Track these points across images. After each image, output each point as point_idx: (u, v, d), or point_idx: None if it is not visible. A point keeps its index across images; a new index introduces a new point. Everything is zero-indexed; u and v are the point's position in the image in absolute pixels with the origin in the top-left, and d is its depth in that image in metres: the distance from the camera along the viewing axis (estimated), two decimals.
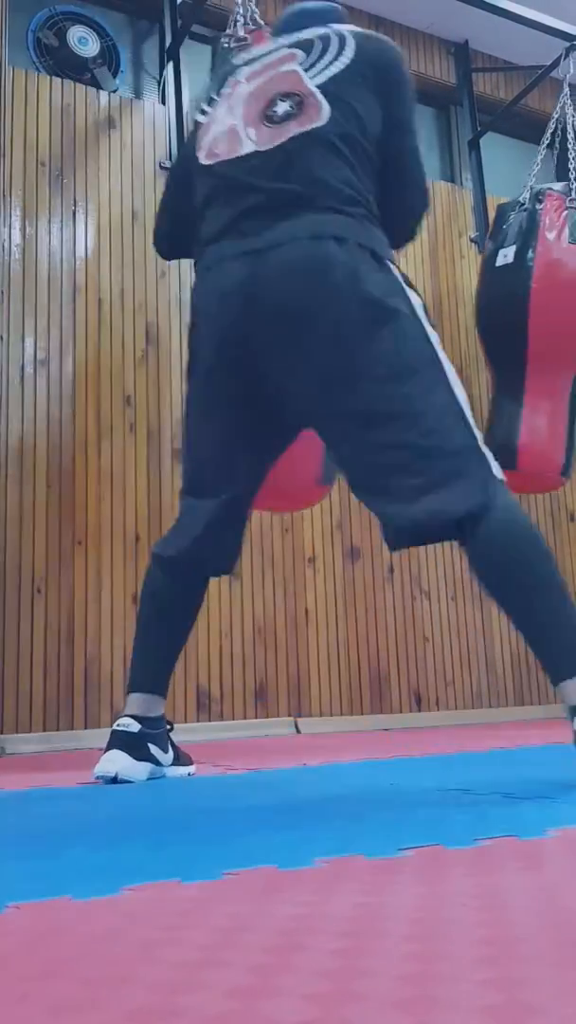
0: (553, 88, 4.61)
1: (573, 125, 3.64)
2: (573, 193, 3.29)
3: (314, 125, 1.56)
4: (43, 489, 3.04)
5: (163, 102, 3.65)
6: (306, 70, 1.62)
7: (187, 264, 3.46)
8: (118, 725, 1.76)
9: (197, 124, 1.75)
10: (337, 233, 1.52)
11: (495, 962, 0.54)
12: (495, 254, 3.32)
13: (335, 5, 1.91)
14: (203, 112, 1.74)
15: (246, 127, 1.61)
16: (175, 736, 1.94)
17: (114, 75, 3.65)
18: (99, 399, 3.19)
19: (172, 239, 1.88)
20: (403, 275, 1.62)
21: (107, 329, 3.27)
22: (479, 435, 1.56)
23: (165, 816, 1.29)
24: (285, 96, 1.59)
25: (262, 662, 3.30)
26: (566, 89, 3.66)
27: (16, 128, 3.26)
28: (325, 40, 1.66)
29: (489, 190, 4.33)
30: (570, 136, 3.63)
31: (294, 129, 1.57)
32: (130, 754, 1.72)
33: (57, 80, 3.40)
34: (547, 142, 3.63)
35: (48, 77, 3.40)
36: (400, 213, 1.69)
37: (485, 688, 3.78)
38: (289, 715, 3.30)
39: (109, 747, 1.73)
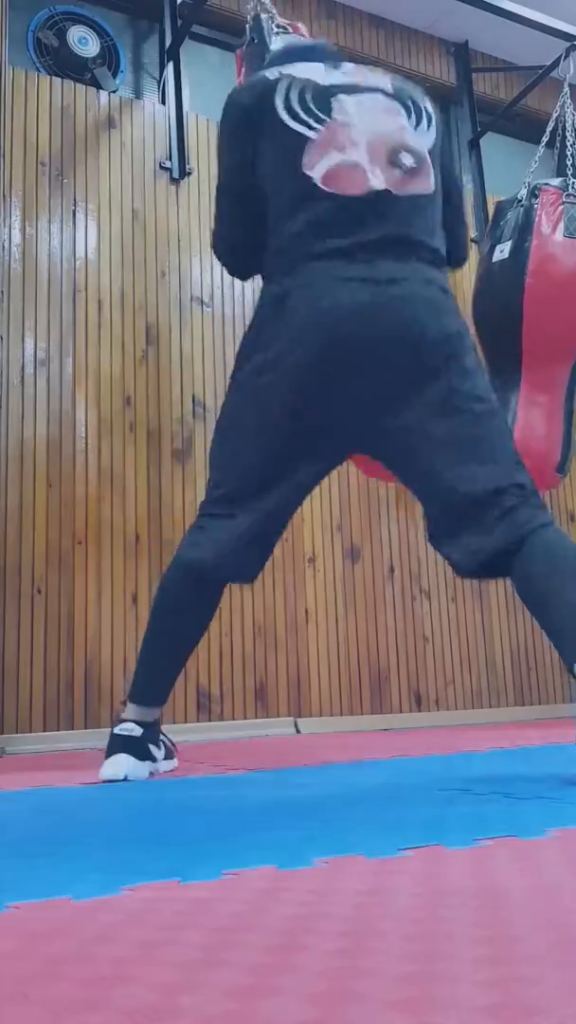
0: (553, 88, 4.61)
1: (573, 125, 3.64)
2: (570, 188, 3.29)
3: (430, 189, 1.74)
4: (43, 489, 3.04)
5: (163, 102, 3.65)
6: (414, 128, 1.76)
7: (187, 264, 3.47)
8: (121, 730, 1.78)
9: (295, 133, 1.71)
10: (442, 284, 1.71)
11: (495, 962, 0.54)
12: (492, 250, 3.32)
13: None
14: (305, 124, 1.71)
15: (372, 166, 1.68)
16: (177, 736, 1.95)
17: (114, 75, 3.65)
18: (99, 399, 3.19)
19: (249, 253, 1.83)
20: None
21: (107, 329, 3.27)
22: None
23: (165, 816, 1.29)
24: (409, 151, 1.72)
25: (262, 662, 3.30)
26: (566, 88, 3.66)
27: (16, 128, 3.26)
28: (416, 106, 1.80)
29: (489, 190, 4.33)
30: (569, 136, 3.63)
31: (416, 187, 1.71)
32: (134, 756, 1.75)
33: (57, 80, 3.40)
34: (546, 140, 3.63)
35: (48, 77, 3.40)
36: (458, 248, 1.91)
37: (485, 688, 3.78)
38: (289, 715, 3.30)
39: (112, 751, 1.76)
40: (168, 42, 3.67)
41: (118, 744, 1.77)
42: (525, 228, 3.23)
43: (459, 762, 1.93)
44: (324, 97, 1.73)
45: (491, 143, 4.47)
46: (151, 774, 1.80)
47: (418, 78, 4.43)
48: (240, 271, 1.94)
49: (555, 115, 3.67)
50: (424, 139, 1.77)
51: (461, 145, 4.47)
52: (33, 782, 1.86)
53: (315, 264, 1.65)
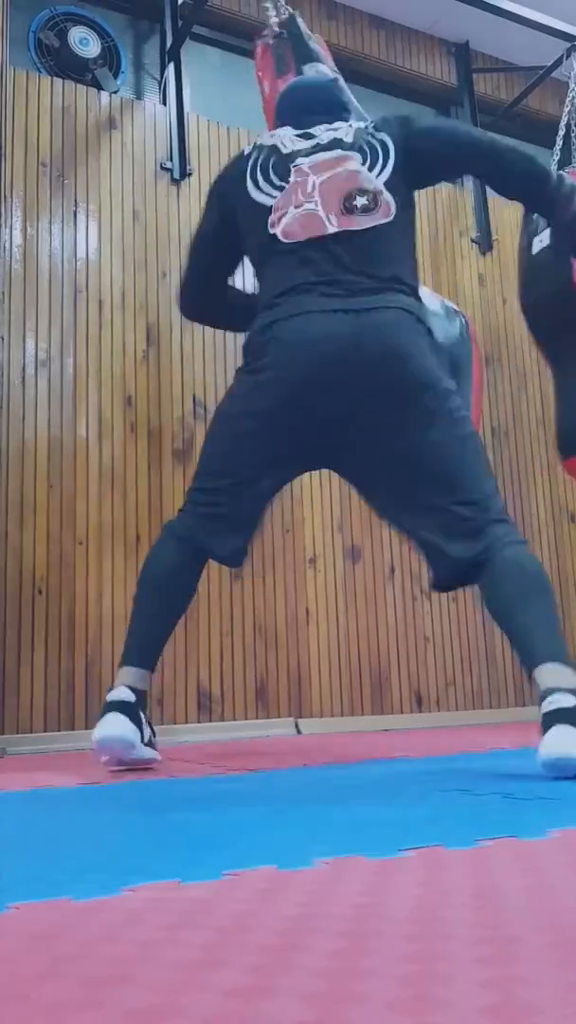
0: (554, 89, 4.62)
1: None
2: None
3: (389, 217, 1.89)
4: (44, 489, 3.04)
5: (164, 103, 3.65)
6: (370, 170, 1.93)
7: None
8: (115, 695, 1.83)
9: (259, 204, 1.95)
10: (416, 312, 1.85)
11: (495, 962, 0.54)
12: (530, 244, 3.35)
13: (334, 79, 2.26)
14: (267, 195, 1.95)
15: (327, 213, 1.88)
16: (177, 736, 1.96)
17: (115, 76, 3.65)
18: (100, 400, 3.19)
19: (202, 301, 2.19)
20: None
21: (108, 330, 3.27)
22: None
23: (165, 816, 1.29)
24: (361, 192, 1.89)
25: (263, 662, 3.30)
26: (573, 86, 3.66)
27: (17, 129, 3.26)
28: (372, 147, 1.96)
29: (490, 191, 4.33)
30: (573, 136, 3.64)
31: (373, 220, 1.88)
32: (128, 718, 1.80)
33: (58, 81, 3.41)
34: (560, 144, 3.65)
35: (49, 78, 3.40)
36: (523, 179, 1.98)
37: (486, 688, 3.78)
38: (290, 715, 3.30)
39: (106, 712, 1.81)
40: (169, 43, 3.67)
41: (112, 706, 1.81)
42: None
43: (460, 762, 1.93)
44: (284, 165, 1.96)
45: None
46: (135, 747, 1.82)
47: (418, 78, 4.43)
48: (192, 312, 2.25)
49: (566, 109, 3.67)
50: (379, 173, 1.93)
51: None
52: (34, 782, 1.86)
53: (296, 298, 1.83)
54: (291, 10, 3.02)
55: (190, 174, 3.55)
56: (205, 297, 2.19)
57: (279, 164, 1.96)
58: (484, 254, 4.28)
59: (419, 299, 1.91)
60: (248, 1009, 0.48)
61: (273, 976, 0.53)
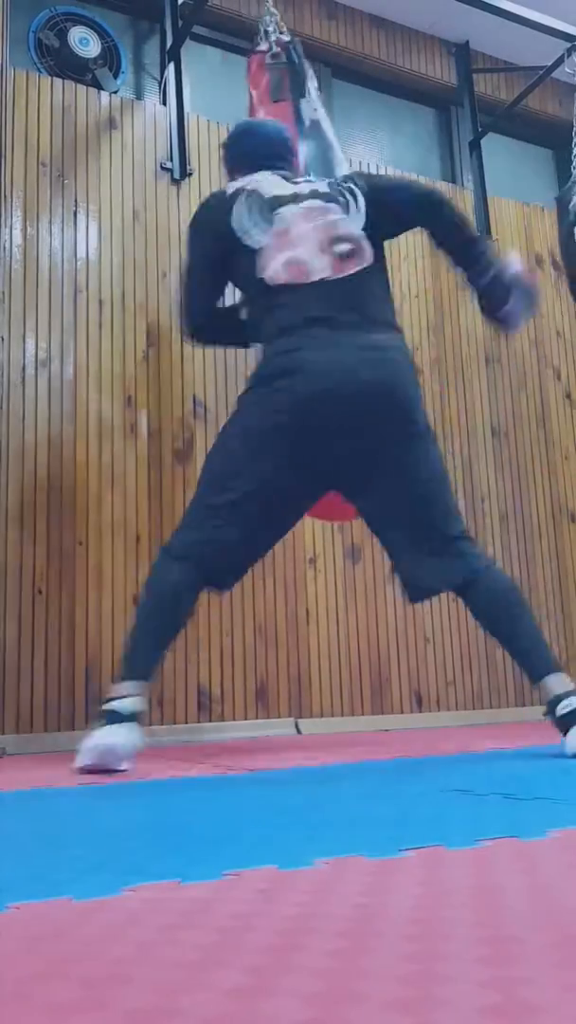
0: (554, 89, 4.62)
1: None
2: None
3: (368, 261, 2.07)
4: (44, 489, 3.04)
5: (164, 103, 3.65)
6: (346, 216, 2.10)
7: None
8: (116, 706, 1.87)
9: (246, 247, 2.09)
10: (408, 353, 2.09)
11: (495, 962, 0.54)
12: (570, 235, 3.41)
13: (284, 129, 2.42)
14: (254, 239, 2.09)
15: (312, 259, 2.04)
16: (178, 736, 1.97)
17: (115, 76, 3.65)
18: (100, 399, 3.19)
19: (209, 325, 2.29)
20: None
21: (108, 330, 3.27)
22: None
23: (165, 816, 1.29)
24: (341, 239, 2.06)
25: (263, 662, 3.30)
26: None
27: (17, 129, 3.26)
28: (344, 198, 2.14)
29: (490, 191, 4.33)
30: None
31: (355, 264, 2.05)
32: (128, 729, 1.86)
33: (58, 81, 3.41)
34: None
35: (49, 78, 3.40)
36: (421, 203, 2.18)
37: (486, 688, 3.78)
38: (290, 715, 3.30)
39: (109, 722, 1.85)
40: (169, 43, 3.67)
41: (113, 717, 1.86)
42: None
43: (460, 762, 1.93)
44: (268, 210, 2.09)
45: (492, 144, 4.47)
46: (127, 760, 1.86)
47: (419, 78, 4.43)
48: (203, 337, 2.34)
49: None
50: (356, 222, 2.11)
51: (462, 146, 4.48)
52: (34, 782, 1.86)
53: (307, 332, 1.98)
54: (293, 36, 3.06)
55: (190, 174, 3.55)
56: (210, 321, 2.29)
57: (263, 209, 2.10)
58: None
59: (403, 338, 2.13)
60: (248, 1009, 0.48)
61: (273, 976, 0.53)
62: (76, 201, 3.32)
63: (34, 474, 3.03)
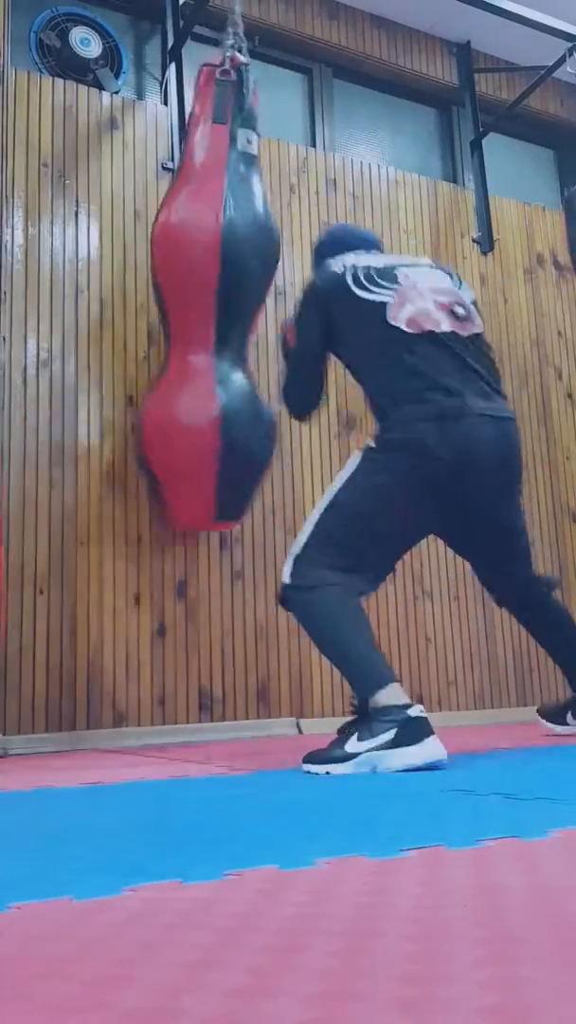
0: (555, 88, 4.62)
1: None
2: None
3: (479, 329, 2.24)
4: (45, 489, 3.04)
5: (165, 103, 3.65)
6: (458, 288, 2.27)
7: None
8: (421, 711, 1.85)
9: (373, 303, 2.17)
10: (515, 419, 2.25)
11: (495, 962, 0.54)
12: None
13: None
14: (379, 295, 2.18)
15: (439, 313, 2.16)
16: (178, 736, 1.96)
17: (116, 76, 3.65)
18: (101, 400, 3.19)
19: (314, 402, 2.40)
20: None
21: (109, 330, 3.27)
22: None
23: (166, 817, 1.29)
24: (460, 304, 2.21)
25: (264, 662, 3.30)
26: None
27: (18, 129, 3.26)
28: (453, 274, 2.35)
29: (491, 191, 4.33)
30: None
31: (473, 328, 2.21)
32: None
33: (59, 81, 3.41)
34: None
35: (50, 78, 3.40)
36: None
37: (487, 688, 3.78)
38: (291, 715, 3.30)
39: (430, 733, 1.82)
40: (170, 43, 3.67)
41: (428, 725, 1.83)
42: None
43: (461, 763, 1.93)
44: (389, 272, 2.21)
45: (493, 143, 4.47)
46: None
47: (420, 78, 4.43)
48: (307, 415, 2.44)
49: None
50: (466, 294, 2.28)
51: (463, 146, 4.47)
52: (35, 782, 1.86)
53: (445, 393, 2.09)
54: (247, 61, 3.04)
55: None
56: (316, 396, 2.39)
57: (383, 272, 2.21)
58: (485, 254, 4.28)
59: None
60: (249, 1009, 0.48)
61: (274, 976, 0.53)
62: (77, 201, 3.33)
63: (35, 473, 3.04)
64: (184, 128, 3.55)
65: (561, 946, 0.57)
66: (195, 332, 2.94)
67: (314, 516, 2.13)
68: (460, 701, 3.69)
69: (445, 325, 2.15)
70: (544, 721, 2.58)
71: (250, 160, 3.03)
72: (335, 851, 0.91)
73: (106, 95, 3.50)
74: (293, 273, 3.68)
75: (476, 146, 4.35)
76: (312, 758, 1.85)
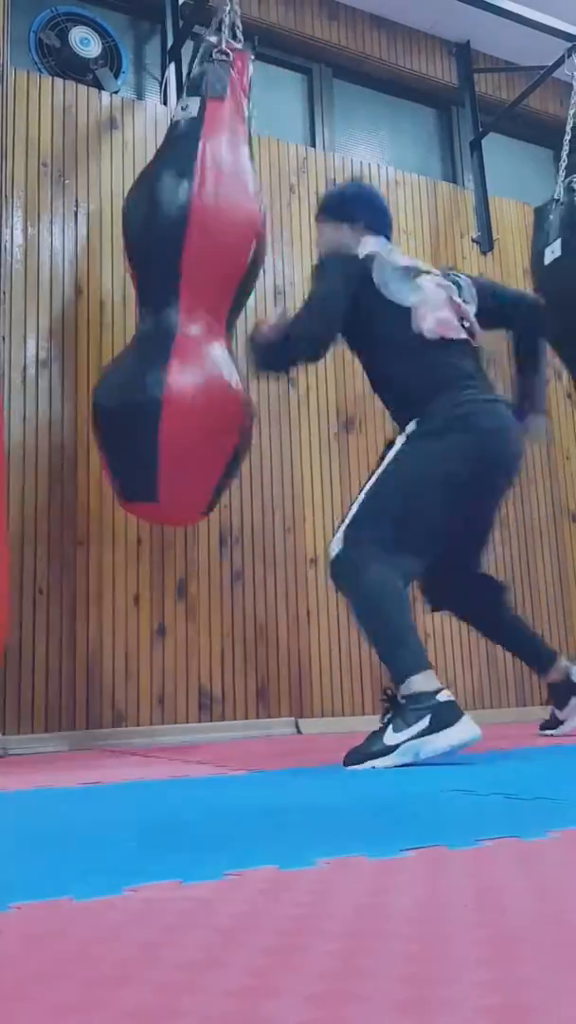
0: (555, 88, 4.62)
1: None
2: None
3: (480, 344, 2.36)
4: (45, 489, 3.04)
5: (165, 103, 3.65)
6: (464, 302, 2.35)
7: None
8: (450, 696, 1.92)
9: (397, 305, 2.24)
10: None
11: (495, 963, 0.54)
12: (542, 254, 3.36)
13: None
14: (402, 298, 2.25)
15: (455, 323, 2.28)
16: (178, 736, 1.96)
17: (116, 76, 3.65)
18: None
19: (327, 347, 2.35)
20: None
21: (109, 330, 3.27)
22: None
23: (166, 817, 1.29)
24: (466, 318, 2.32)
25: (263, 662, 3.30)
26: None
27: (18, 129, 3.26)
28: (459, 283, 2.42)
29: (491, 191, 4.33)
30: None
31: (478, 340, 2.34)
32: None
33: (59, 81, 3.41)
34: (567, 148, 3.64)
35: (50, 78, 3.40)
36: (519, 307, 2.67)
37: (486, 688, 3.78)
38: (291, 715, 3.30)
39: (458, 714, 1.89)
40: (170, 43, 3.67)
41: (458, 707, 1.90)
42: (572, 223, 3.29)
43: (461, 762, 1.93)
44: (407, 278, 2.28)
45: (493, 143, 4.47)
46: None
47: (420, 78, 4.43)
48: (317, 357, 2.37)
49: (572, 112, 3.66)
50: (471, 306, 2.38)
51: (463, 146, 4.47)
52: (35, 782, 1.86)
53: (472, 386, 2.22)
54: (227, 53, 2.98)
55: None
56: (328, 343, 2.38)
57: (405, 276, 2.28)
58: (485, 254, 4.28)
59: None
60: (249, 1009, 0.48)
61: (274, 977, 0.53)
62: (77, 201, 3.32)
63: (35, 474, 3.03)
64: None
65: (561, 946, 0.57)
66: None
67: (365, 493, 2.16)
68: (460, 701, 3.68)
69: (462, 334, 2.28)
70: (543, 732, 2.60)
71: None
72: (335, 851, 0.91)
73: (106, 95, 3.50)
74: (293, 273, 3.68)
75: (476, 146, 4.35)
76: (353, 757, 1.88)
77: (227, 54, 2.94)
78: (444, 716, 1.86)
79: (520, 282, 4.35)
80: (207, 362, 2.73)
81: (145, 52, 3.86)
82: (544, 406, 2.58)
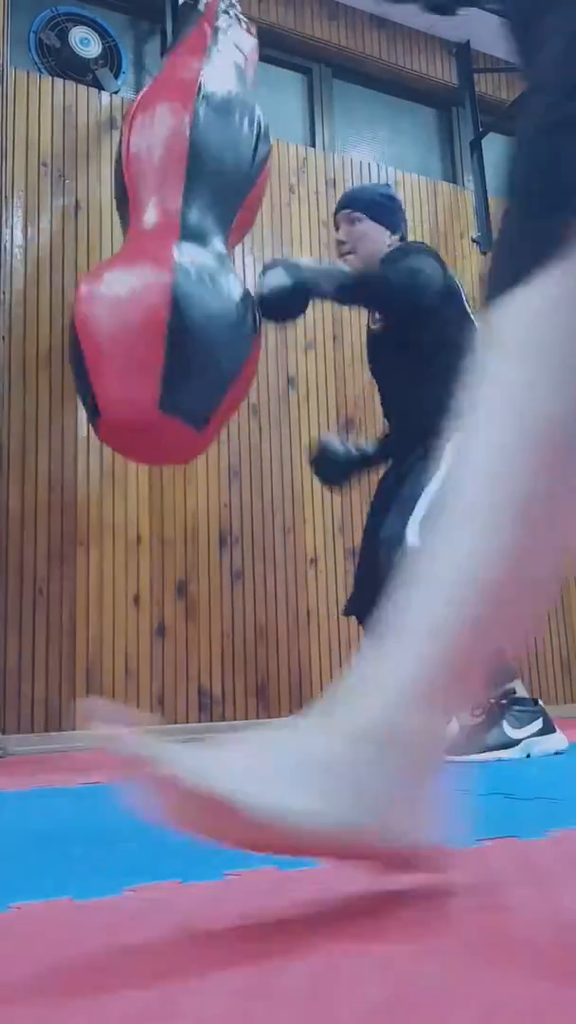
0: None
1: None
2: None
3: None
4: (44, 489, 3.04)
5: None
6: None
7: None
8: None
9: (457, 292, 2.31)
10: None
11: (495, 962, 0.54)
12: None
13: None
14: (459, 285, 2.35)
15: None
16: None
17: (116, 76, 3.65)
18: None
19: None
20: None
21: None
22: None
23: None
24: None
25: (263, 662, 3.30)
26: None
27: (18, 129, 3.26)
28: None
29: (491, 191, 4.33)
30: None
31: None
32: None
33: (59, 81, 3.41)
34: None
35: (50, 78, 3.40)
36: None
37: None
38: (291, 715, 3.30)
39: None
40: (170, 43, 3.66)
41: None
42: None
43: (460, 763, 1.93)
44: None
45: (493, 143, 4.46)
46: None
47: (420, 79, 4.43)
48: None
49: None
50: None
51: (463, 146, 4.47)
52: (35, 783, 1.86)
53: None
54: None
55: None
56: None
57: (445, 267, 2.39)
58: (484, 254, 4.28)
59: None
60: (248, 1009, 0.48)
61: (275, 977, 0.53)
62: (77, 201, 3.32)
63: (35, 474, 3.03)
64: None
65: (560, 946, 0.57)
66: (158, 209, 2.59)
67: (438, 481, 2.22)
68: None
69: None
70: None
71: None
72: None
73: (106, 95, 3.50)
74: None
75: (476, 146, 4.35)
76: (472, 747, 1.97)
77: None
78: (549, 722, 2.03)
79: None
80: (127, 247, 2.60)
81: (145, 52, 3.86)
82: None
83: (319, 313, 3.57)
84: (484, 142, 4.36)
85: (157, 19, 3.80)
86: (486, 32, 4.29)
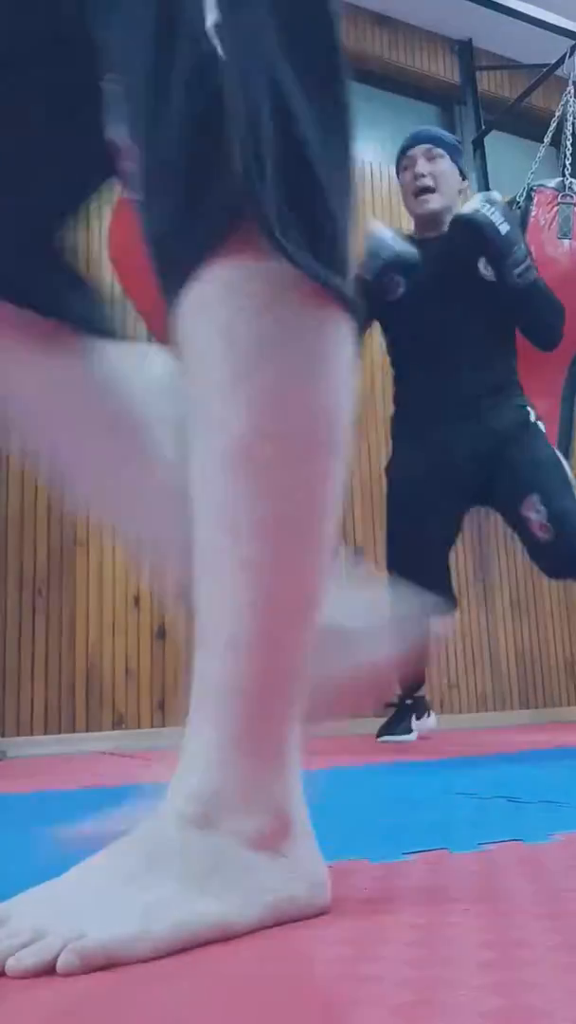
0: (558, 86, 4.60)
1: (574, 124, 3.63)
2: (566, 189, 3.30)
3: None
4: (44, 490, 3.03)
5: None
6: None
7: None
8: None
9: None
10: None
11: (499, 967, 0.52)
12: None
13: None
14: None
15: None
16: (179, 739, 1.96)
17: None
18: None
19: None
20: None
21: None
22: None
23: None
24: None
25: None
26: (571, 88, 3.65)
27: None
28: None
29: (493, 189, 4.31)
30: (570, 135, 3.63)
31: None
32: None
33: None
34: (549, 140, 3.62)
35: None
36: None
37: (490, 691, 3.76)
38: None
39: None
40: None
41: None
42: (521, 230, 3.26)
43: (463, 766, 1.92)
44: None
45: (495, 141, 4.46)
46: None
47: (422, 76, 4.43)
48: None
49: (558, 113, 3.66)
50: None
51: (465, 144, 4.46)
52: (35, 785, 1.85)
53: None
54: None
55: None
56: None
57: None
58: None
59: None
60: (247, 1015, 0.47)
61: (273, 982, 0.52)
62: None
63: (35, 474, 3.03)
64: None
65: (565, 950, 0.56)
66: None
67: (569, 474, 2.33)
68: (462, 704, 3.68)
69: None
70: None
71: None
72: (336, 854, 0.89)
73: None
74: None
75: (478, 144, 4.34)
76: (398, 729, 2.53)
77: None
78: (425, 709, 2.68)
79: None
80: None
81: None
82: None
83: None
84: (487, 140, 4.36)
85: None
86: (489, 30, 4.29)
